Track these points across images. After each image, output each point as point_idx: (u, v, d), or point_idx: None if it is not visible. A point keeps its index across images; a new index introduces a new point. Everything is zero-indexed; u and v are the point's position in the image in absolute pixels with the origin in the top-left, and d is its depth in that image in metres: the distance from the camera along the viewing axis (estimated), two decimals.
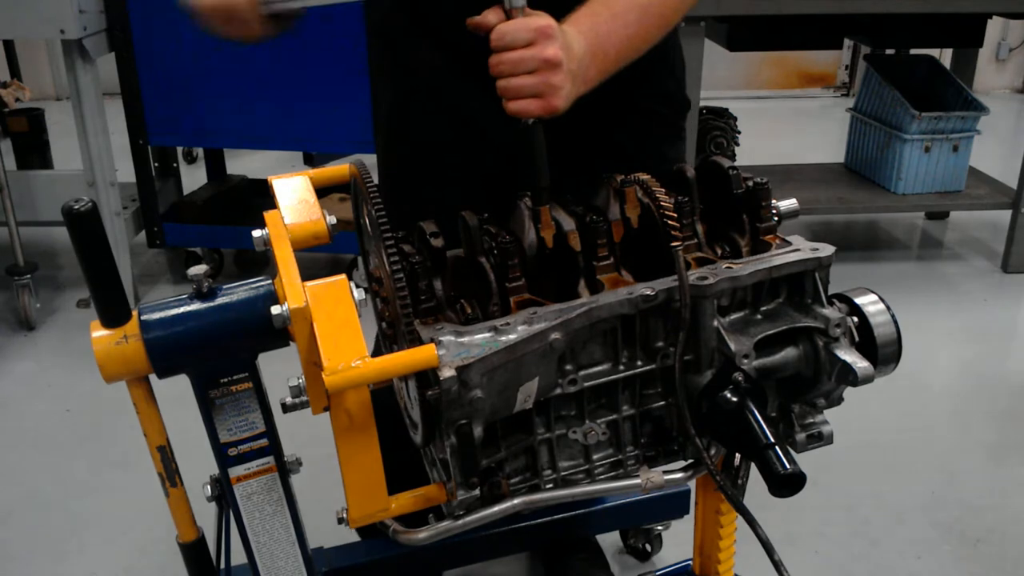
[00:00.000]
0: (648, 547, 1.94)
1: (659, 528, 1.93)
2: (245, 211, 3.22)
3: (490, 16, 0.99)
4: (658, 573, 1.66)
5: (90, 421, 2.44)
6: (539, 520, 1.65)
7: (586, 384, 0.98)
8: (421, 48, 1.30)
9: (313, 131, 2.95)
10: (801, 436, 1.05)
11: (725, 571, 1.37)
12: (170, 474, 1.02)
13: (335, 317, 0.88)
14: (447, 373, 0.85)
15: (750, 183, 1.05)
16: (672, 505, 1.78)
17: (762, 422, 0.92)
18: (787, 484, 0.90)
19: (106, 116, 2.92)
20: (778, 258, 1.00)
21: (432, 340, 0.89)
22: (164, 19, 2.82)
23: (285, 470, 1.03)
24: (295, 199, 1.07)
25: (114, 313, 0.93)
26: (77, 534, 2.03)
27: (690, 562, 1.45)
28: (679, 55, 1.41)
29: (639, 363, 0.99)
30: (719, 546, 1.35)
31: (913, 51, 3.80)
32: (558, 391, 0.96)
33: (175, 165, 3.46)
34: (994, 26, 4.45)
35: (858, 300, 1.04)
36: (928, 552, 1.96)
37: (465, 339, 0.90)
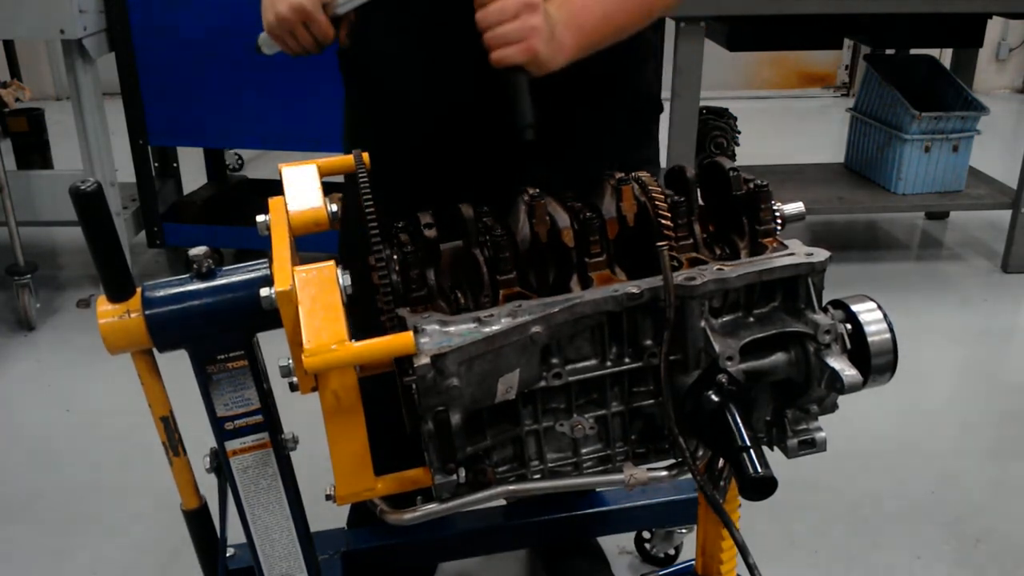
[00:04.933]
0: (671, 553, 1.87)
1: (682, 531, 1.83)
2: (245, 211, 3.21)
3: None
4: (661, 573, 1.66)
5: (90, 421, 2.44)
6: (553, 516, 1.63)
7: (572, 378, 0.98)
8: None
9: (313, 131, 2.93)
10: (793, 442, 1.04)
11: (727, 571, 1.37)
12: (173, 444, 1.07)
13: (320, 301, 0.90)
14: (422, 360, 0.87)
15: (750, 185, 1.05)
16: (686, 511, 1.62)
17: (740, 424, 0.92)
18: (757, 487, 0.90)
19: (106, 116, 2.92)
20: (770, 262, 1.00)
21: (415, 328, 0.91)
22: (164, 19, 2.82)
23: (281, 447, 1.06)
24: (299, 186, 1.09)
25: (119, 289, 0.97)
26: (77, 534, 2.03)
27: (693, 562, 1.45)
28: (657, 59, 1.45)
29: (627, 360, 1.00)
30: (721, 546, 1.35)
31: (913, 51, 3.79)
32: (543, 384, 0.97)
33: (175, 165, 3.45)
34: (994, 26, 4.44)
35: (855, 308, 1.03)
36: (928, 552, 1.96)
37: (449, 328, 0.92)
